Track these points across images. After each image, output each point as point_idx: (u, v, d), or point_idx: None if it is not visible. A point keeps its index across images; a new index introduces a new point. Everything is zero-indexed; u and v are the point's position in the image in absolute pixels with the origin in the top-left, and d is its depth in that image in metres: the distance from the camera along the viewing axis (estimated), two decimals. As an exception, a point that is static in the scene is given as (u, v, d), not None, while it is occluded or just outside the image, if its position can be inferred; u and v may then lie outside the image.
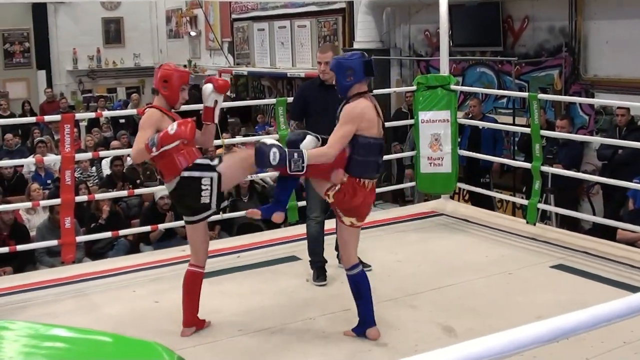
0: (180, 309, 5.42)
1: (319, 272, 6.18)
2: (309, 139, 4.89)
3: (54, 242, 7.03)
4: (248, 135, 14.20)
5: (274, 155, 4.67)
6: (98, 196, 8.62)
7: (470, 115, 10.34)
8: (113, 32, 22.02)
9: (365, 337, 5.02)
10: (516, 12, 11.30)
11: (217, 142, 9.40)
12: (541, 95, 8.08)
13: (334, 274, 6.18)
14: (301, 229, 6.88)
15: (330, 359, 4.81)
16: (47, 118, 8.49)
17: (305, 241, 6.28)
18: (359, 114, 4.83)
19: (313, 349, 4.99)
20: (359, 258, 5.16)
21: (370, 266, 6.16)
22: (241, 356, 4.97)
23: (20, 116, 16.63)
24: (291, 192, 5.41)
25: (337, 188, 4.88)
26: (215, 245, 7.43)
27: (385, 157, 9.54)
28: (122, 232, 8.02)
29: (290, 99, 7.35)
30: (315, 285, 6.11)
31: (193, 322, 5.27)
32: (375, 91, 8.04)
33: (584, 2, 10.28)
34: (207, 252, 5.32)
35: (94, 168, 12.13)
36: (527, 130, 7.93)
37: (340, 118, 4.88)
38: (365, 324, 5.05)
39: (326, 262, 6.25)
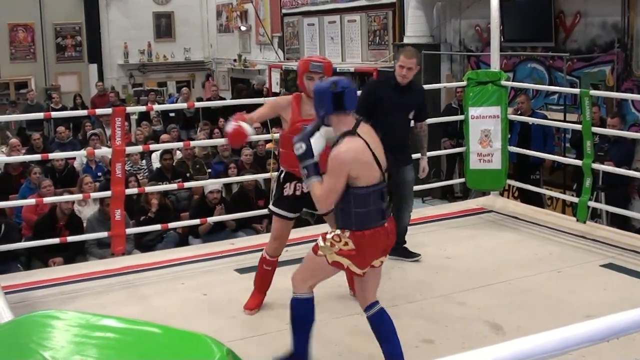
0: (229, 302, 5.46)
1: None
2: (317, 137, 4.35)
3: (104, 234, 7.12)
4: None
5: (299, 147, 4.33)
6: (148, 189, 8.70)
7: (520, 112, 10.25)
8: (164, 27, 22.18)
9: None
10: (568, 7, 11.17)
11: (266, 136, 9.47)
12: (593, 92, 7.97)
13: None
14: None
15: (378, 351, 4.80)
16: (99, 111, 8.62)
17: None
18: (343, 162, 4.14)
19: (360, 344, 4.99)
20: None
21: (419, 255, 6.63)
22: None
23: (71, 109, 16.86)
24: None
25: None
26: (263, 239, 7.46)
27: (435, 153, 9.58)
28: (171, 224, 8.10)
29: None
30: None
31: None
32: (426, 86, 8.04)
33: (637, -3, 10.13)
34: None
35: (144, 161, 12.25)
36: (578, 127, 7.84)
37: (327, 166, 4.21)
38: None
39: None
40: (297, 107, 5.18)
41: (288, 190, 5.27)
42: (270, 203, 5.43)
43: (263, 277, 5.57)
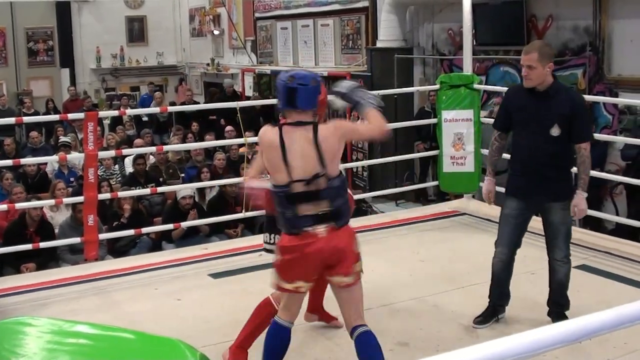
0: (202, 307, 5.43)
1: (485, 312, 5.40)
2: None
3: (77, 240, 7.08)
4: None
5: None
6: (121, 194, 8.65)
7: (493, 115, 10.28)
8: (136, 31, 22.10)
9: None
10: (540, 11, 11.24)
11: (240, 140, 9.45)
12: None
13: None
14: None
15: (353, 356, 4.80)
16: (71, 116, 8.56)
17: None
18: (260, 145, 4.16)
19: (337, 347, 4.99)
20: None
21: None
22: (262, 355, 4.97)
23: (44, 114, 16.75)
24: None
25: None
26: (237, 243, 7.47)
27: (408, 156, 9.62)
28: (144, 230, 8.05)
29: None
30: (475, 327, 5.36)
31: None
32: (399, 90, 8.05)
33: (608, 1, 10.21)
34: None
35: (116, 166, 12.19)
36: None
37: None
38: None
39: (499, 304, 5.43)
40: None
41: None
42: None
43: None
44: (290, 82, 4.02)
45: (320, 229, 3.99)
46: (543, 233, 5.24)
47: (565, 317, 5.03)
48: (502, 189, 5.36)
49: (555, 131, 4.88)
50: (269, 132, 4.08)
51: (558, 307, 5.21)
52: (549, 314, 5.24)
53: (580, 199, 4.96)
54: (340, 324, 5.05)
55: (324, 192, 3.99)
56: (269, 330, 4.29)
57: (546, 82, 4.94)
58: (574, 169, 5.25)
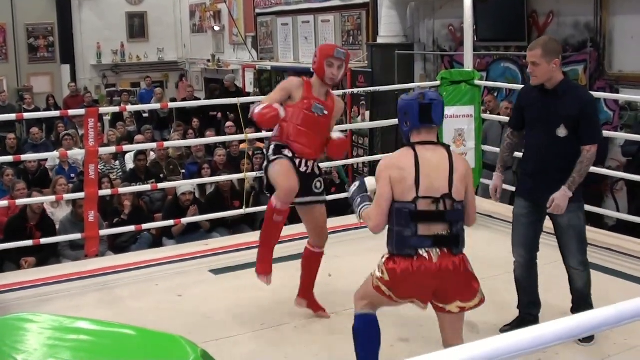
0: (203, 303, 5.45)
1: (513, 322, 5.22)
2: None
3: (78, 236, 7.08)
4: (271, 130, 14.21)
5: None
6: (122, 190, 8.66)
7: (488, 111, 10.28)
8: (137, 27, 22.10)
9: None
10: (541, 7, 11.23)
11: (240, 136, 9.46)
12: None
13: (358, 268, 6.15)
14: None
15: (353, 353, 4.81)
16: (72, 112, 8.56)
17: (331, 235, 6.19)
18: (380, 167, 4.02)
19: (336, 343, 4.99)
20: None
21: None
22: (264, 350, 4.99)
23: (44, 110, 16.76)
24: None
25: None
26: (238, 239, 7.47)
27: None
28: (145, 226, 8.05)
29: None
30: None
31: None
32: (399, 86, 8.03)
33: (609, -3, 10.21)
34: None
35: (117, 162, 12.19)
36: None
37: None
38: None
39: (526, 313, 5.23)
40: (309, 88, 5.11)
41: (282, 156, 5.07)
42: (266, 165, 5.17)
43: (274, 231, 5.20)
44: (422, 100, 4.02)
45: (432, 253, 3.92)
46: (548, 230, 5.18)
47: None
48: (508, 187, 5.31)
49: (562, 132, 4.75)
50: (399, 152, 4.05)
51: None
52: None
53: (560, 194, 4.76)
54: (327, 315, 5.34)
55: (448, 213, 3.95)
56: (358, 327, 4.28)
57: (554, 79, 4.80)
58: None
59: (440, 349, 1.63)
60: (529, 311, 5.17)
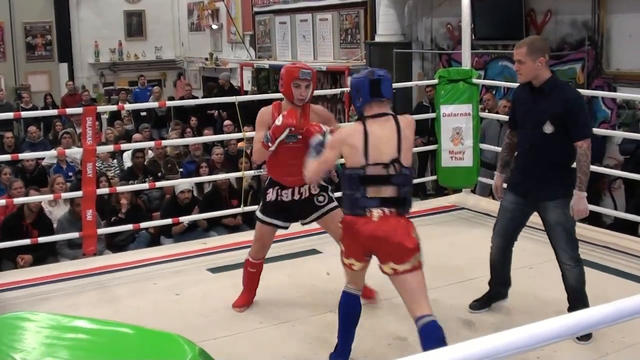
0: (201, 301, 5.45)
1: (481, 298, 5.51)
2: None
3: (76, 235, 7.07)
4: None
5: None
6: (119, 188, 8.65)
7: (487, 109, 10.30)
8: (135, 25, 22.10)
9: None
10: (539, 6, 11.24)
11: (238, 135, 9.45)
12: (563, 89, 8.02)
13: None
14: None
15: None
16: (69, 111, 8.52)
17: (326, 234, 6.21)
18: (337, 144, 4.44)
19: (335, 341, 4.99)
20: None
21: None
22: (262, 349, 4.99)
23: (42, 109, 16.74)
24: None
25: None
26: (236, 238, 7.46)
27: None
28: (143, 224, 8.05)
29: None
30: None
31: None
32: (397, 85, 8.01)
33: (607, -5, 10.22)
34: None
35: (115, 160, 12.19)
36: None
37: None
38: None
39: (495, 291, 5.50)
40: (277, 113, 5.20)
41: (270, 195, 5.28)
42: (258, 210, 5.41)
43: (250, 278, 5.57)
44: (372, 76, 4.36)
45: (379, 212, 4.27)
46: (541, 227, 5.25)
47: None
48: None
49: (548, 128, 4.81)
50: (352, 126, 4.50)
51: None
52: None
53: (577, 199, 4.84)
54: (374, 301, 5.52)
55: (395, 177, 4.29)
56: (342, 301, 4.61)
57: (540, 77, 4.89)
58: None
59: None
60: (499, 289, 5.45)
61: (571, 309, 5.01)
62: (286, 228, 5.49)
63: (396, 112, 4.52)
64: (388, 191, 4.27)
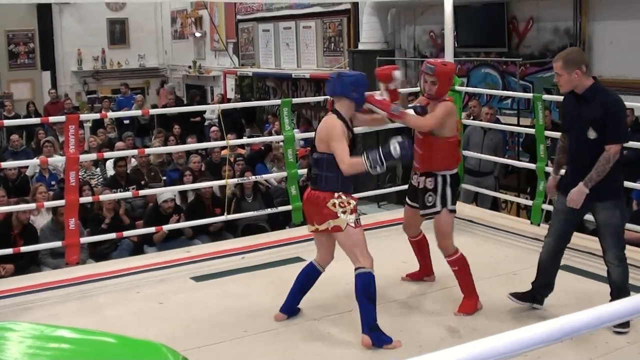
0: (185, 310, 5.42)
1: (525, 293, 5.58)
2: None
3: (58, 244, 7.03)
4: (253, 136, 14.21)
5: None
6: (102, 197, 8.60)
7: (472, 116, 10.33)
8: (118, 33, 22.05)
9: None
10: (521, 13, 11.30)
11: (222, 143, 9.44)
12: (546, 96, 8.07)
13: (337, 274, 6.15)
14: (305, 230, 6.88)
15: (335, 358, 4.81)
16: (52, 119, 8.47)
17: (310, 242, 6.20)
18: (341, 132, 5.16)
19: (317, 350, 4.99)
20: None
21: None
22: (246, 357, 4.97)
23: (24, 117, 16.66)
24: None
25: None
26: (219, 246, 7.45)
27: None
28: (125, 233, 8.01)
29: (295, 100, 7.30)
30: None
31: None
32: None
33: (588, 3, 10.28)
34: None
35: (98, 169, 12.13)
36: (531, 131, 7.92)
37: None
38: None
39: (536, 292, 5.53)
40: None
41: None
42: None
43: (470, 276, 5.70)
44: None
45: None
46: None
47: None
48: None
49: (592, 134, 4.98)
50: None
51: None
52: None
53: (576, 189, 5.05)
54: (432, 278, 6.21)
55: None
56: (305, 268, 5.51)
57: (582, 86, 5.04)
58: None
59: (419, 354, 1.62)
60: (541, 291, 5.50)
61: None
62: (414, 207, 5.93)
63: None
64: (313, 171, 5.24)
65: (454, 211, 5.78)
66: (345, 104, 5.14)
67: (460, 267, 5.64)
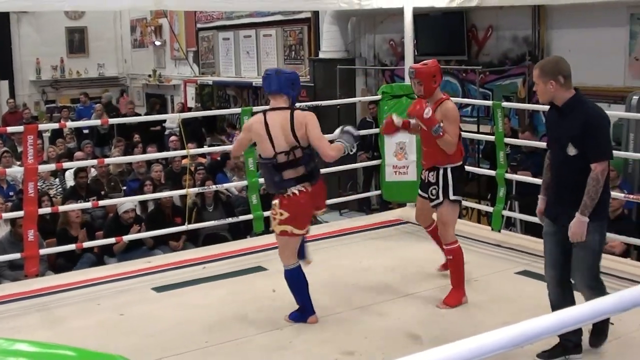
0: (146, 321, 5.38)
1: (552, 349, 4.87)
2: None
3: (17, 255, 6.94)
4: (213, 145, 14.15)
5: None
6: (62, 208, 8.52)
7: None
8: (77, 42, 21.86)
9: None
10: (480, 22, 11.38)
11: (182, 152, 9.39)
12: (505, 104, 8.14)
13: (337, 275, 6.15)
14: (266, 239, 6.88)
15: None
16: (10, 129, 8.40)
17: (272, 251, 6.20)
18: (246, 131, 5.52)
19: (285, 357, 4.98)
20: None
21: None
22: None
23: (-18, 127, 16.46)
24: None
25: None
26: (181, 256, 7.41)
27: (351, 166, 9.65)
28: (86, 244, 7.93)
29: (256, 108, 7.30)
30: None
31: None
32: (341, 100, 8.06)
33: (546, 11, 10.38)
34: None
35: (57, 179, 12.01)
36: (491, 138, 7.98)
37: None
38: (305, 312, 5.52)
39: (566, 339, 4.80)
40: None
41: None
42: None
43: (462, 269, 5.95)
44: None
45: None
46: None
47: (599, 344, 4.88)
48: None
49: (571, 150, 4.55)
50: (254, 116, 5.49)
51: (594, 339, 4.91)
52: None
53: (575, 222, 4.54)
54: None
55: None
56: (295, 274, 5.46)
57: (560, 98, 4.62)
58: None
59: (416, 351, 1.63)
60: (569, 337, 4.78)
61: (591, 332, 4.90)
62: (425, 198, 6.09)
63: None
64: (299, 171, 5.32)
65: (456, 201, 5.95)
66: (282, 101, 5.30)
67: (455, 256, 5.87)
